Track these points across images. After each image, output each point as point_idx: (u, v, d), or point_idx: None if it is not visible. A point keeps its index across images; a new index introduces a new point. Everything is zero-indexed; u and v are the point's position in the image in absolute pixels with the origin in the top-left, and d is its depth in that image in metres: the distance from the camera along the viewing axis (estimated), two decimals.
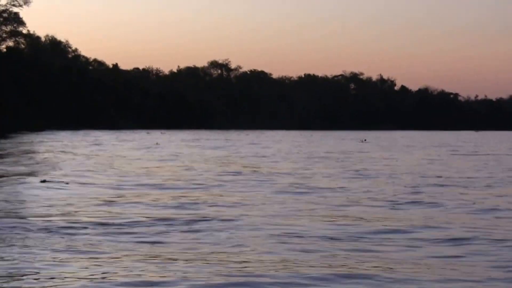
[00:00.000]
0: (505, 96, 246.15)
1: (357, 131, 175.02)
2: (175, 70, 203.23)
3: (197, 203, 20.25)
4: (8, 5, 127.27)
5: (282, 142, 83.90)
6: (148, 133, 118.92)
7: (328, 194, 23.67)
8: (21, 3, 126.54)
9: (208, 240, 14.04)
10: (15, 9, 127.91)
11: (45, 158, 42.01)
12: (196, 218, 17.01)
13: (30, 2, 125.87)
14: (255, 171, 33.93)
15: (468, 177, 31.96)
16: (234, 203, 20.49)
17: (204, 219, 16.87)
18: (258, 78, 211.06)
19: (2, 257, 11.92)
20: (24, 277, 10.59)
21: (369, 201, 21.85)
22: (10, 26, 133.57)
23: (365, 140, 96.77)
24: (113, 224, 15.88)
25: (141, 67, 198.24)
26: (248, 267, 11.42)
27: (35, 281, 10.45)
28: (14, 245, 13.09)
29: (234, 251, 12.89)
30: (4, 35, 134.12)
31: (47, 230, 14.91)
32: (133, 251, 12.80)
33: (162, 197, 21.68)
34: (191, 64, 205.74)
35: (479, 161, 47.35)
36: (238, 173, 32.55)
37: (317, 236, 14.67)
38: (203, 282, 10.31)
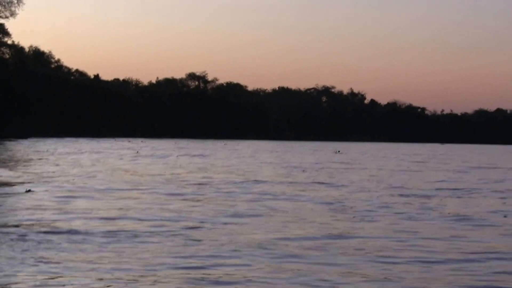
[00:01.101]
0: (469, 111, 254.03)
1: (328, 142, 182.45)
2: (154, 81, 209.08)
3: None
4: None
5: (250, 154, 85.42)
6: (129, 141, 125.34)
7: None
8: (7, 15, 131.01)
9: None
10: (1, 21, 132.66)
11: None
12: None
13: (16, 14, 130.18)
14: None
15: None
16: None
17: None
18: (234, 90, 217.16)
19: None
20: None
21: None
22: None
23: (339, 151, 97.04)
24: None
25: (121, 78, 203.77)
26: None
27: None
28: None
29: None
30: None
31: None
32: None
33: None
34: (169, 76, 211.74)
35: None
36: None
37: None
38: None
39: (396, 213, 22.38)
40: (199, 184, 32.32)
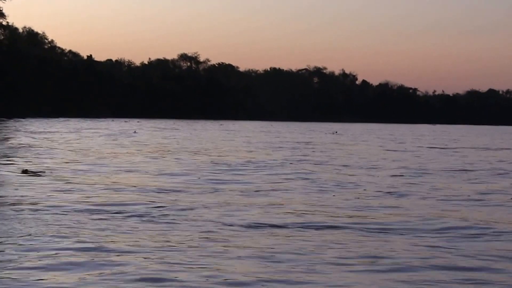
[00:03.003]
0: (461, 91, 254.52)
1: (320, 123, 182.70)
2: (146, 62, 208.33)
3: None
4: None
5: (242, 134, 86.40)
6: (126, 121, 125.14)
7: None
8: None
9: None
10: None
11: None
12: None
13: None
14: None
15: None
16: None
17: None
18: (226, 70, 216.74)
19: None
20: None
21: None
22: None
23: (336, 132, 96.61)
24: None
25: (114, 59, 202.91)
26: None
27: None
28: None
29: None
30: None
31: None
32: None
33: None
34: (161, 57, 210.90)
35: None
36: None
37: None
38: None
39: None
40: None
